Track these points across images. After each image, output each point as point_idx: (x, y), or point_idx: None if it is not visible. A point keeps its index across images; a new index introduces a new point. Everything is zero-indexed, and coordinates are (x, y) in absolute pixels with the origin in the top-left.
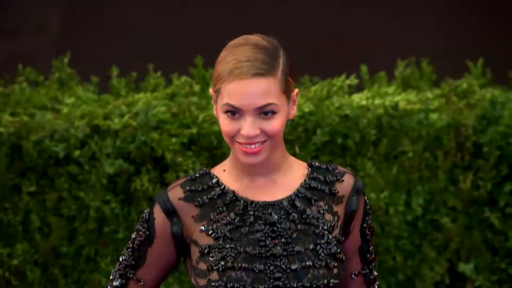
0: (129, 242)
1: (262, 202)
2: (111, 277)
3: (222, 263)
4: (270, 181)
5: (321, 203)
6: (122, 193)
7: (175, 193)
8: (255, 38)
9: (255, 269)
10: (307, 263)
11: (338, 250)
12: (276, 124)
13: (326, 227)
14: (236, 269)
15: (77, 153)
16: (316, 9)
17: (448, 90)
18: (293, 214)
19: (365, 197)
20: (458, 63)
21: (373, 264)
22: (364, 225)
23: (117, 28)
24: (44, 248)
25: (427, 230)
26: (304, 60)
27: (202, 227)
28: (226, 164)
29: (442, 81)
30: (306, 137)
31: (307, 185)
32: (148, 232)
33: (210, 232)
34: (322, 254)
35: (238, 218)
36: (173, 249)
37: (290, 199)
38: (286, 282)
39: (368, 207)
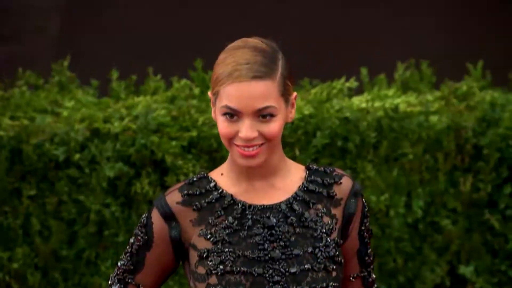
0: (128, 247)
1: (260, 206)
2: (109, 282)
3: (221, 267)
4: (268, 184)
5: (319, 206)
6: (122, 196)
7: (173, 197)
8: (254, 41)
9: (254, 273)
10: (306, 266)
11: (337, 253)
12: (274, 127)
13: (324, 230)
14: (235, 273)
15: (77, 156)
16: (316, 9)
17: (448, 92)
18: (291, 217)
19: (363, 200)
20: (458, 64)
21: (372, 266)
22: (363, 228)
23: (117, 28)
24: (44, 252)
25: (427, 232)
26: (304, 61)
27: (200, 231)
28: (224, 168)
29: (442, 83)
30: (306, 140)
31: (305, 188)
32: (146, 237)
33: (208, 236)
34: (321, 257)
35: (236, 222)
36: (172, 254)
37: (288, 203)
38: (285, 285)
39: (366, 209)
